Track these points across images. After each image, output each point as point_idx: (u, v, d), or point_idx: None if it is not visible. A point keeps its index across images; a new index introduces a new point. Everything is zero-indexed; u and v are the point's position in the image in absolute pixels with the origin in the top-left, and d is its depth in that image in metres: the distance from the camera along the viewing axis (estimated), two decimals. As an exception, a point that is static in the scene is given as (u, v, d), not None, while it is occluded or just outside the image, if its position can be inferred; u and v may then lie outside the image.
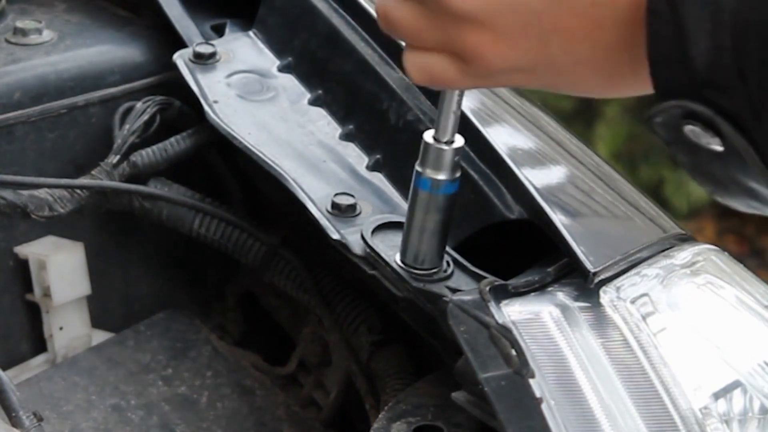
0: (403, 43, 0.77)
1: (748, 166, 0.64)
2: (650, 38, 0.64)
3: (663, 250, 1.05)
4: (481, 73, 0.72)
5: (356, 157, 1.20)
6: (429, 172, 0.97)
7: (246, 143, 1.18)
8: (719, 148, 0.64)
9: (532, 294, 1.00)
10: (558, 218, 1.02)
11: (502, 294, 0.99)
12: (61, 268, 1.30)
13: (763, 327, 1.02)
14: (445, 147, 0.96)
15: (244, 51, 1.33)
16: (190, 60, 1.29)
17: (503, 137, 1.12)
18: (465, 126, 1.10)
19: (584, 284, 1.00)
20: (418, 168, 0.98)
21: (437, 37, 0.72)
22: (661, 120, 0.65)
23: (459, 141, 0.96)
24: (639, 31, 0.65)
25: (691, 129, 0.64)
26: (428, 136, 0.97)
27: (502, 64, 0.71)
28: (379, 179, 1.17)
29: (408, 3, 0.73)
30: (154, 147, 1.27)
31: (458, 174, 0.98)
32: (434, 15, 0.71)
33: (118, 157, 1.26)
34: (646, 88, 0.67)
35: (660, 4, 0.63)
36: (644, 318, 0.99)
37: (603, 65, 0.69)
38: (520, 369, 0.90)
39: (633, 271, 1.02)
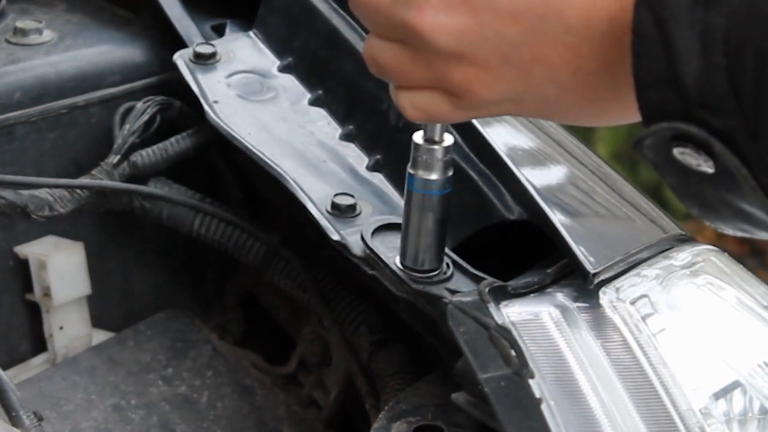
0: (391, 84, 0.77)
1: (741, 187, 0.63)
2: (636, 60, 0.63)
3: (663, 251, 1.05)
4: (473, 105, 0.73)
5: (356, 157, 1.20)
6: (421, 173, 0.97)
7: (246, 143, 1.18)
8: (710, 170, 0.63)
9: (532, 295, 1.00)
10: (558, 219, 1.02)
11: (502, 295, 0.99)
12: (61, 268, 1.30)
13: (763, 327, 1.02)
14: (435, 147, 0.96)
15: (244, 51, 1.33)
16: (190, 60, 1.29)
17: (503, 137, 1.12)
18: (465, 126, 1.11)
19: (584, 285, 1.00)
20: (410, 170, 0.98)
21: (426, 76, 0.73)
22: (650, 143, 0.65)
23: (448, 140, 0.97)
24: (618, 56, 0.65)
25: (680, 151, 0.64)
26: (418, 137, 0.97)
27: (490, 96, 0.71)
28: (379, 179, 1.17)
29: (392, 45, 0.73)
30: (154, 147, 1.27)
31: (450, 173, 0.98)
32: (419, 55, 0.72)
33: (118, 157, 1.26)
34: (630, 114, 0.67)
35: (646, 26, 0.62)
36: (644, 319, 0.99)
37: (586, 92, 0.69)
38: (520, 369, 0.90)
39: (633, 272, 1.02)
